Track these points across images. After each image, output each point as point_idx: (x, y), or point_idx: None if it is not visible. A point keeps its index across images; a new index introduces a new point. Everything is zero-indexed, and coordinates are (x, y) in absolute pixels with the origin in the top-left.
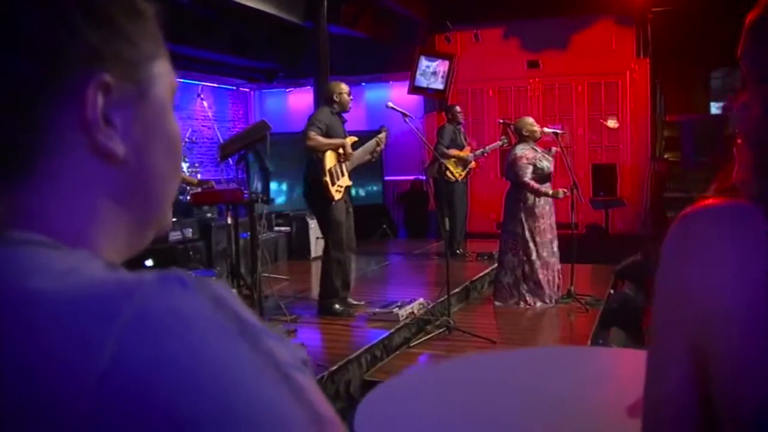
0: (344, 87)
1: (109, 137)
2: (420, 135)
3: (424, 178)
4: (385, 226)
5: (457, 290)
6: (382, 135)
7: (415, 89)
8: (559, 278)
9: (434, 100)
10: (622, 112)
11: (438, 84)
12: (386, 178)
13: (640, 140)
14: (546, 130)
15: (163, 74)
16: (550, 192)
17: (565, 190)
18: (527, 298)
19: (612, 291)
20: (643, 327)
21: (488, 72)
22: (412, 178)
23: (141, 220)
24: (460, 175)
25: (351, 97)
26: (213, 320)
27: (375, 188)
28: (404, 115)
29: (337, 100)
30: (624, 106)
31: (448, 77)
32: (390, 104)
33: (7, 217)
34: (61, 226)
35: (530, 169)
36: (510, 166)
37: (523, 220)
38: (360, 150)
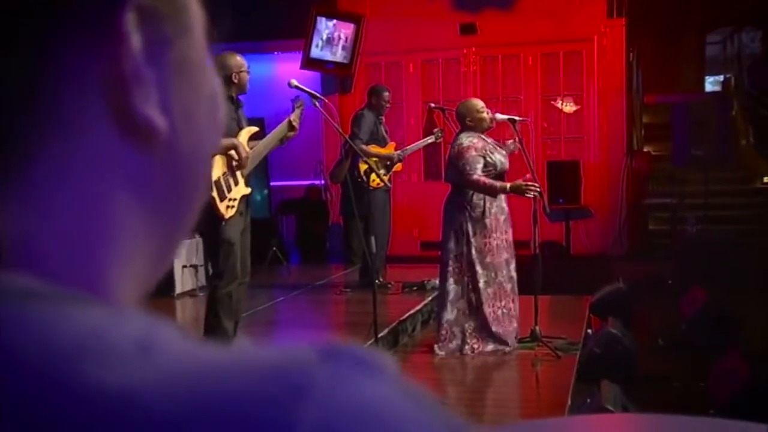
0: (242, 61)
1: (145, 102)
2: (336, 126)
3: (321, 183)
4: (275, 248)
5: (382, 333)
6: (297, 112)
7: (310, 62)
8: (516, 314)
9: (335, 78)
10: (587, 91)
11: (341, 55)
12: (273, 183)
13: (612, 129)
14: (499, 116)
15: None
16: (509, 186)
17: (535, 186)
18: (474, 342)
19: (590, 331)
20: (640, 375)
21: (408, 39)
22: (306, 183)
23: (171, 233)
24: (381, 181)
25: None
26: (419, 420)
27: (259, 198)
28: (314, 97)
29: (236, 81)
30: (590, 84)
31: (355, 46)
32: (294, 82)
33: None
34: (66, 258)
35: (481, 162)
36: (453, 161)
37: (470, 234)
38: (264, 141)
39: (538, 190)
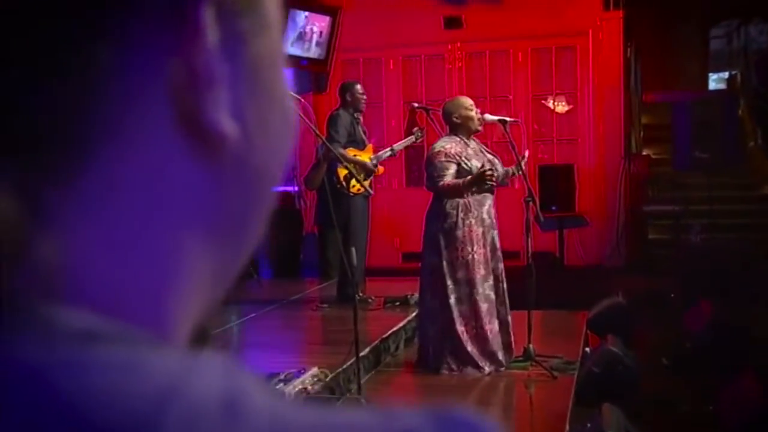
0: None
1: (216, 106)
2: (313, 127)
3: (295, 189)
4: None
5: (363, 353)
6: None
7: None
8: (510, 332)
9: (309, 75)
10: (581, 90)
11: (315, 51)
12: None
13: (609, 130)
14: (488, 117)
15: None
16: (466, 180)
17: (492, 172)
18: (452, 363)
19: (588, 349)
20: (644, 398)
21: (389, 33)
22: (278, 189)
23: (234, 258)
24: (362, 187)
25: None
26: None
27: None
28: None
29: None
30: (584, 82)
31: (330, 41)
32: None
33: (27, 276)
34: (125, 289)
35: (452, 168)
36: (426, 167)
37: (441, 246)
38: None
39: (495, 175)
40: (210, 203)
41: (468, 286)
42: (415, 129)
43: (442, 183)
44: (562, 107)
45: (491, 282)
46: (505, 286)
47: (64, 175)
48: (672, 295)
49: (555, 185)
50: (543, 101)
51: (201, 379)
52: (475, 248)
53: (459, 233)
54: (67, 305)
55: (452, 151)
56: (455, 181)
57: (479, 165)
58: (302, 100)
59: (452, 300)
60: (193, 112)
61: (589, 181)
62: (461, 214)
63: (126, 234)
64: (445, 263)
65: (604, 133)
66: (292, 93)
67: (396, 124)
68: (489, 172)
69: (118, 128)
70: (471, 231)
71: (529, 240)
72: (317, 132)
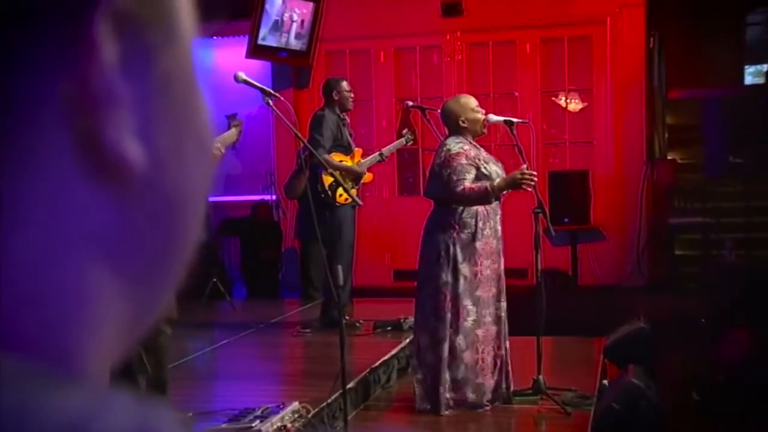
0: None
1: (118, 129)
2: (293, 129)
3: (273, 198)
4: (216, 279)
5: (350, 385)
6: (233, 132)
7: (258, 50)
8: (508, 361)
9: (290, 69)
10: (597, 86)
11: (296, 42)
12: (212, 199)
13: (629, 131)
14: (493, 118)
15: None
16: (500, 181)
17: (532, 174)
18: (452, 395)
19: (606, 381)
20: None
21: (379, 22)
22: (254, 198)
23: (151, 294)
24: (350, 197)
25: None
26: None
27: None
28: (266, 93)
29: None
30: (601, 77)
31: (313, 30)
32: (241, 75)
33: None
34: (29, 323)
35: (472, 173)
36: (437, 171)
37: (458, 260)
38: None
39: (535, 179)
40: (117, 234)
41: (484, 307)
42: (405, 131)
43: (462, 187)
44: (575, 105)
45: (504, 303)
46: (505, 306)
47: None
48: (703, 321)
49: (567, 194)
50: (554, 99)
51: (109, 418)
52: (490, 263)
53: (478, 245)
54: None
55: (471, 153)
56: (481, 184)
57: (498, 170)
58: (281, 98)
59: (469, 323)
60: (92, 136)
61: (607, 189)
62: (480, 224)
63: (29, 268)
64: (462, 280)
65: (623, 134)
66: (269, 89)
67: (387, 125)
68: (528, 174)
69: (10, 154)
70: (488, 244)
71: (539, 256)
72: (298, 134)
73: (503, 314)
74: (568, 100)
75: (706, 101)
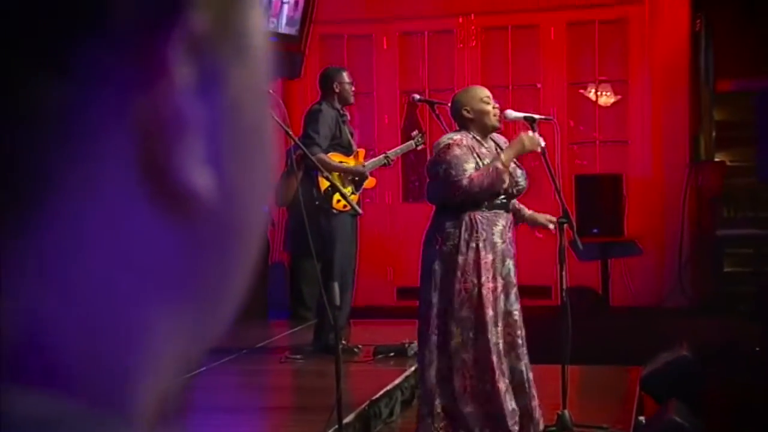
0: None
1: (187, 157)
2: (284, 126)
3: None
4: None
5: (348, 419)
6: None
7: None
8: (531, 393)
9: (279, 57)
10: (633, 76)
11: (287, 26)
12: None
13: (670, 129)
14: (511, 114)
15: (261, 18)
16: (507, 153)
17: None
18: (441, 425)
19: (642, 418)
20: None
21: (382, 4)
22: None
23: (205, 329)
24: (348, 205)
25: None
26: None
27: None
28: None
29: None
30: (637, 66)
31: (306, 12)
32: None
33: None
34: (85, 364)
35: (471, 162)
36: (433, 170)
37: (437, 276)
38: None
39: (542, 143)
40: (179, 266)
41: (474, 330)
42: (415, 133)
43: (467, 178)
44: (607, 99)
45: (501, 327)
46: (523, 333)
47: (11, 233)
48: (756, 349)
49: (598, 201)
50: (582, 91)
51: None
52: (482, 280)
53: (460, 259)
54: (18, 385)
55: (464, 141)
56: (485, 167)
57: (518, 172)
58: (272, 93)
59: (452, 345)
60: (161, 164)
61: (643, 196)
62: (465, 235)
63: (86, 302)
64: (442, 298)
65: (662, 132)
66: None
67: (390, 122)
68: (535, 137)
69: (77, 179)
70: (478, 257)
71: (564, 273)
72: (288, 130)
73: (500, 341)
74: (599, 93)
75: (760, 94)
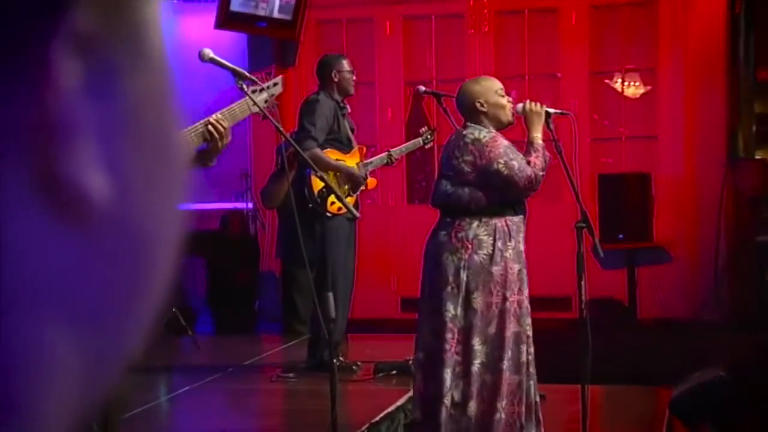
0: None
1: (77, 161)
2: (274, 122)
3: (248, 207)
4: (175, 309)
5: None
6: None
7: (230, 19)
8: (539, 418)
9: (272, 44)
10: (663, 64)
11: (278, 9)
12: None
13: (705, 123)
14: (530, 107)
15: (156, 16)
16: (532, 131)
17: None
18: None
19: None
20: None
21: None
22: (224, 207)
23: (114, 342)
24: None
25: None
26: None
27: None
28: (239, 76)
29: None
30: (668, 53)
31: None
32: (208, 53)
33: None
34: None
35: (519, 156)
36: (483, 167)
37: (469, 289)
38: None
39: (540, 106)
40: (79, 276)
41: (497, 349)
42: (424, 129)
43: (531, 167)
44: (635, 90)
45: (526, 347)
46: (532, 350)
47: None
48: None
49: (623, 203)
50: (607, 81)
51: None
52: (508, 294)
53: (496, 271)
54: None
55: (502, 139)
56: (532, 151)
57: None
58: (259, 82)
59: (476, 366)
60: (51, 169)
61: (674, 197)
62: (499, 243)
63: None
64: (472, 314)
65: (696, 127)
66: (242, 70)
67: (394, 116)
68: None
69: None
70: (508, 268)
71: (583, 283)
72: (279, 128)
73: (526, 359)
74: (626, 83)
75: None
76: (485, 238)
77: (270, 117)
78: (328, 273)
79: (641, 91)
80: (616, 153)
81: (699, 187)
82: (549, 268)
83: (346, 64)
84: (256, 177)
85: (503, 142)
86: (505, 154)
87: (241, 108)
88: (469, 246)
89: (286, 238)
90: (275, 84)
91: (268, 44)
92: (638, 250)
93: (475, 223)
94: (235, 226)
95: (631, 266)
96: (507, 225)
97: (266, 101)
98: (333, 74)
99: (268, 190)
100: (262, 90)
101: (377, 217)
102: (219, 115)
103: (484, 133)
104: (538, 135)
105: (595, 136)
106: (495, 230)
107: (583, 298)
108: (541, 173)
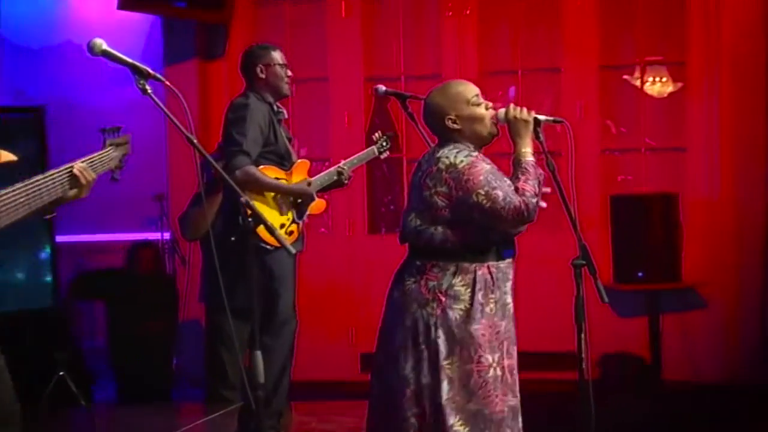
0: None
1: None
2: (187, 134)
3: (164, 237)
4: (63, 371)
5: None
6: (115, 150)
7: None
8: None
9: (194, 30)
10: (696, 56)
11: None
12: (61, 239)
13: (744, 132)
14: (503, 113)
15: None
16: (520, 144)
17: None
18: None
19: None
20: None
21: None
22: (131, 238)
23: None
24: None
25: None
26: None
27: (30, 270)
28: (140, 74)
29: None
30: (699, 43)
31: None
32: (99, 44)
33: None
34: None
35: (506, 182)
36: (461, 200)
37: (440, 351)
38: None
39: (526, 114)
40: None
41: (487, 428)
42: (378, 135)
43: (520, 195)
44: (661, 88)
45: (516, 422)
46: (520, 426)
47: None
48: None
49: (643, 232)
50: (626, 77)
51: None
52: (495, 357)
53: (476, 330)
54: None
55: (486, 166)
56: (522, 171)
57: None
58: (167, 82)
59: None
60: None
61: (708, 224)
62: (479, 295)
63: None
64: (447, 384)
65: (734, 136)
66: (146, 68)
67: (351, 122)
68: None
69: None
70: (492, 326)
71: (583, 336)
72: (191, 138)
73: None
74: (648, 79)
75: None
76: (462, 289)
77: (184, 130)
78: (264, 323)
79: (669, 89)
80: (635, 168)
81: (740, 212)
82: (548, 317)
83: (276, 57)
84: (174, 200)
85: (484, 167)
86: (486, 183)
87: (101, 162)
88: (442, 299)
89: (212, 278)
90: (125, 143)
91: (190, 30)
92: (663, 292)
93: (450, 270)
94: (146, 263)
95: (654, 313)
96: (490, 272)
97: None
98: (258, 70)
99: (189, 217)
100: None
101: (331, 251)
102: (82, 164)
103: (461, 156)
104: (526, 150)
105: (607, 146)
106: (474, 279)
107: (584, 355)
108: (533, 200)
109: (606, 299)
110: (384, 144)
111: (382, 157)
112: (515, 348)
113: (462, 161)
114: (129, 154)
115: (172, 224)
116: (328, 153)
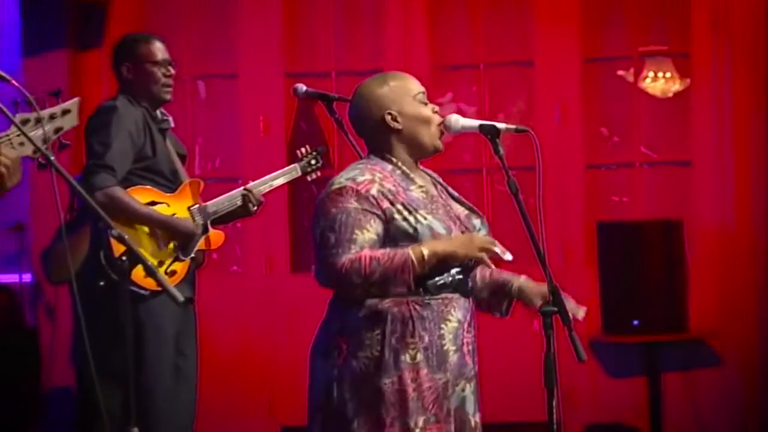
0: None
1: None
2: (36, 143)
3: (25, 280)
4: None
5: None
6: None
7: None
8: None
9: (63, 15)
10: (699, 47)
11: None
12: None
13: (761, 143)
14: (459, 121)
15: None
16: (429, 250)
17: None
18: None
19: None
20: None
21: None
22: None
23: None
24: (158, 284)
25: None
26: None
27: None
28: None
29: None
30: (704, 33)
31: None
32: None
33: None
34: None
35: (372, 227)
36: (313, 229)
37: (380, 412)
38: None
39: (505, 253)
40: None
41: None
42: (305, 150)
43: (351, 258)
44: (663, 86)
45: None
46: None
47: None
48: None
49: (640, 268)
50: (622, 72)
51: None
52: (414, 422)
53: (386, 384)
54: None
55: (371, 188)
56: (382, 253)
57: (442, 225)
58: (16, 82)
59: None
60: None
61: (720, 258)
62: (391, 339)
63: None
64: None
65: (752, 145)
66: (3, 74)
67: (269, 130)
68: (489, 245)
69: None
70: (418, 382)
71: (555, 401)
72: (47, 153)
73: None
74: (647, 76)
75: None
76: (368, 332)
77: (55, 164)
78: (141, 391)
79: (674, 87)
80: (628, 188)
81: (758, 243)
82: (515, 378)
83: (151, 51)
84: (36, 231)
85: (349, 204)
86: (333, 220)
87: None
88: (343, 345)
89: (80, 334)
90: (65, 112)
91: (57, 15)
92: (664, 345)
93: (356, 309)
94: (2, 312)
95: (653, 372)
96: (411, 311)
97: (47, 140)
98: (124, 68)
99: (54, 253)
100: (38, 120)
101: (245, 295)
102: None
103: (344, 176)
104: (432, 252)
105: (593, 160)
106: (387, 320)
107: (554, 426)
108: (356, 279)
109: (583, 357)
110: (313, 162)
111: (310, 179)
112: (472, 413)
113: (337, 183)
114: (76, 125)
115: (33, 263)
116: (240, 170)
